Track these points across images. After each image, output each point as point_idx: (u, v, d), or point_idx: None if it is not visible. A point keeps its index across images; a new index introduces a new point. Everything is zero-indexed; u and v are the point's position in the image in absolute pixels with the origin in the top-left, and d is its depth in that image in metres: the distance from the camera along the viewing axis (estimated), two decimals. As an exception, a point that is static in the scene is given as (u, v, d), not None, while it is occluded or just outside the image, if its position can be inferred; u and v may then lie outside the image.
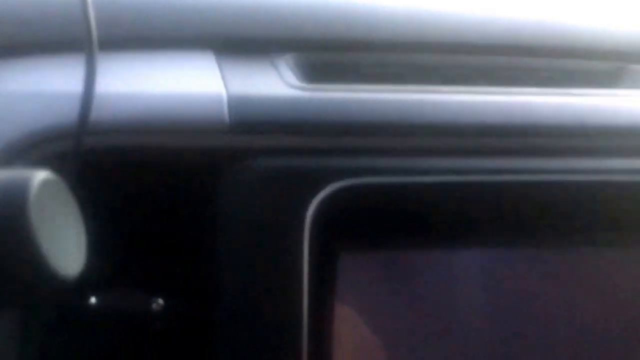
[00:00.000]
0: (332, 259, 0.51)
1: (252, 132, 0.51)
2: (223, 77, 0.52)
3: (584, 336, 0.56)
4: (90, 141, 0.48)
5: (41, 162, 0.44)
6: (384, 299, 0.53)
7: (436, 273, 0.53)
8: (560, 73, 0.61)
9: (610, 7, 0.68)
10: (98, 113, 0.48)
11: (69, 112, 0.48)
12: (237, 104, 0.51)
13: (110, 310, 0.51)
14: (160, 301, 0.51)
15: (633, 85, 0.61)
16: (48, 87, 0.50)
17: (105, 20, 0.49)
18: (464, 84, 0.57)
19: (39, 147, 0.47)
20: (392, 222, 0.51)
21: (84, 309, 0.51)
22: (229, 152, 0.50)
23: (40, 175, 0.35)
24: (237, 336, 0.50)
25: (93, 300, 0.51)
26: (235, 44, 0.56)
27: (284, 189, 0.50)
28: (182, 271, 0.52)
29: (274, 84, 0.53)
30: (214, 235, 0.51)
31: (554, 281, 0.55)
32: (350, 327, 0.52)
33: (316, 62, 0.57)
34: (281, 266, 0.50)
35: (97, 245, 0.51)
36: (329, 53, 0.58)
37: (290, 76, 0.54)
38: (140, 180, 0.51)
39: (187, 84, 0.52)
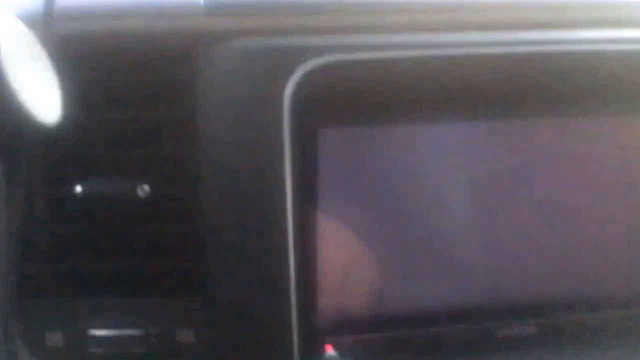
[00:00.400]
0: (311, 136, 0.52)
1: (227, 14, 0.51)
2: None
3: (569, 207, 0.57)
4: (60, 28, 0.49)
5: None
6: (366, 173, 0.54)
7: (416, 147, 0.54)
8: None
9: None
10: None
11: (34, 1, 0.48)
12: None
13: (96, 198, 0.52)
14: (146, 187, 0.52)
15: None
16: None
17: None
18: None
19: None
20: (370, 98, 0.52)
21: (69, 198, 0.52)
22: (204, 35, 0.51)
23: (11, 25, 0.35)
24: (222, 216, 0.52)
25: (79, 188, 0.51)
26: None
27: (261, 69, 0.50)
28: (167, 156, 0.52)
29: None
30: (195, 119, 0.51)
31: (534, 152, 0.56)
32: (333, 202, 0.53)
33: None
34: (262, 146, 0.51)
35: (80, 134, 0.52)
36: None
37: None
38: (117, 68, 0.51)
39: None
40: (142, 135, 0.52)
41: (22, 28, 0.35)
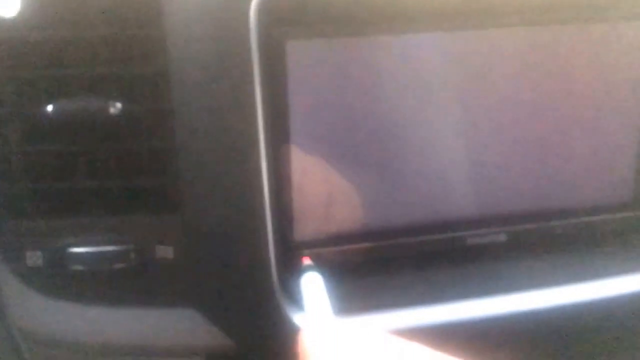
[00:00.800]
0: (279, 49, 0.52)
1: None
2: None
3: (536, 119, 0.59)
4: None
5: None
6: (336, 86, 0.54)
7: (385, 59, 0.55)
8: None
9: None
10: None
11: None
12: None
13: (68, 117, 0.52)
14: (118, 105, 0.52)
15: None
16: None
17: None
18: None
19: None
20: (335, 9, 0.52)
21: (41, 117, 0.52)
22: None
23: None
24: (195, 135, 0.52)
25: (50, 108, 0.52)
26: None
27: None
28: (138, 74, 0.52)
29: None
30: (164, 37, 0.51)
31: (505, 63, 0.57)
32: (304, 116, 0.54)
33: None
34: (231, 62, 0.51)
35: (51, 53, 0.52)
36: None
37: None
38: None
39: None
40: (113, 54, 0.52)
41: None
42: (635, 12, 0.58)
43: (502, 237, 0.60)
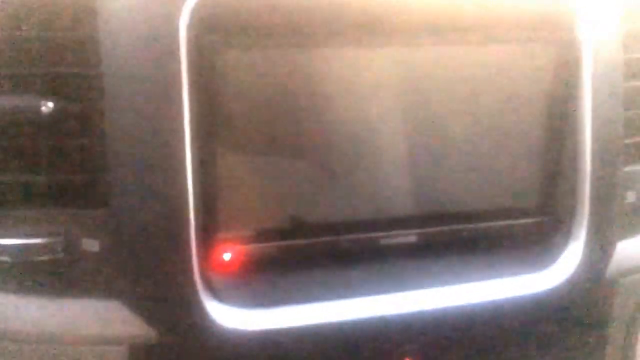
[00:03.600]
0: (209, 56, 0.55)
1: None
2: None
3: (448, 126, 0.64)
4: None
5: None
6: (263, 91, 0.58)
7: (312, 69, 0.58)
8: None
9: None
10: None
11: None
12: None
13: (1, 113, 0.54)
14: (50, 103, 0.54)
15: None
16: None
17: None
18: None
19: None
20: (267, 21, 0.56)
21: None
22: None
23: None
24: (123, 133, 0.55)
25: (-18, 104, 0.53)
26: None
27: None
28: (70, 74, 0.55)
29: None
30: (97, 40, 0.54)
31: (425, 72, 0.62)
32: (231, 117, 0.57)
33: None
34: (161, 68, 0.54)
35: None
36: None
37: None
38: None
39: None
40: (46, 53, 0.54)
41: None
42: (539, 36, 0.63)
43: (413, 238, 0.65)
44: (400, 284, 0.64)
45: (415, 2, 0.59)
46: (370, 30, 0.59)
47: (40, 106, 0.54)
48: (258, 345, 0.61)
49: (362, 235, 0.64)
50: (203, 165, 0.57)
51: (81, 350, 0.60)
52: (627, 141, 0.68)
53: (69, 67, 0.55)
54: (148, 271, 0.57)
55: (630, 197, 0.70)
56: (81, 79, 0.55)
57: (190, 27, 0.54)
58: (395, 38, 0.60)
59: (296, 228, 0.62)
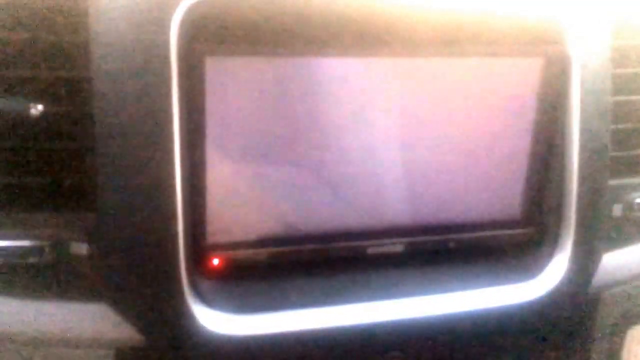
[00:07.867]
0: (199, 62, 0.55)
1: None
2: None
3: (437, 139, 0.64)
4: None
5: None
6: (252, 99, 0.58)
7: (299, 78, 0.59)
8: None
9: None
10: None
11: None
12: None
13: (-10, 116, 0.54)
14: (40, 107, 0.55)
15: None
16: None
17: None
18: None
19: None
20: (257, 29, 0.56)
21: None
22: None
23: None
24: (112, 137, 0.55)
25: (-28, 106, 0.54)
26: None
27: (146, 3, 0.54)
28: (60, 78, 0.55)
29: None
30: (88, 45, 0.54)
31: (411, 85, 0.62)
32: (220, 124, 0.58)
33: None
34: (151, 70, 0.54)
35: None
36: None
37: None
38: None
39: None
40: (37, 56, 0.54)
41: None
42: (528, 50, 0.64)
43: (400, 248, 0.65)
44: (387, 293, 0.64)
45: (404, 15, 0.60)
46: (359, 40, 0.60)
47: (29, 109, 0.54)
48: (245, 351, 0.61)
49: (349, 244, 0.64)
50: (192, 170, 0.58)
51: (69, 353, 0.60)
52: (613, 154, 0.69)
53: (60, 71, 0.55)
54: (136, 275, 0.58)
55: (617, 210, 0.71)
56: (71, 83, 0.55)
57: (180, 32, 0.54)
58: (383, 49, 0.60)
59: (284, 235, 0.63)
